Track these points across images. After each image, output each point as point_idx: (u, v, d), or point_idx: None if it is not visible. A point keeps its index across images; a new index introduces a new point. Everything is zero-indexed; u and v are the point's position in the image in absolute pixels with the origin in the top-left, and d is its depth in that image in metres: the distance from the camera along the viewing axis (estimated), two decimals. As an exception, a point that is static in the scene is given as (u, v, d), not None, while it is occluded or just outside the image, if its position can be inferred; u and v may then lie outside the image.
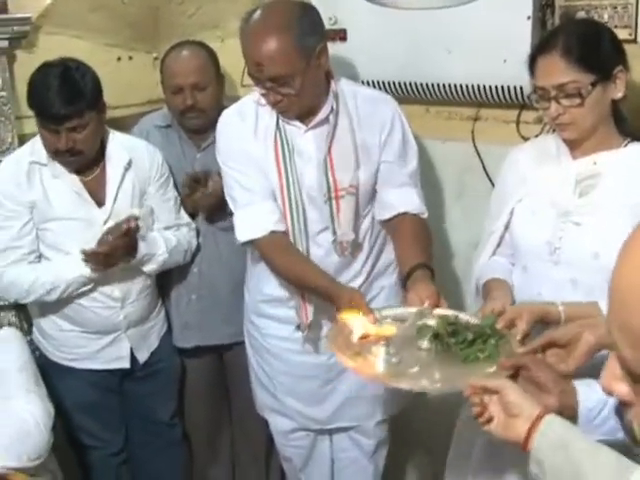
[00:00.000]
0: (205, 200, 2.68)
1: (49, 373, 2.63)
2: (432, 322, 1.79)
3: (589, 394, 1.53)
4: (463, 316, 1.87)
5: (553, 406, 1.45)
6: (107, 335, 2.60)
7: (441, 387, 1.67)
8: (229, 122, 2.33)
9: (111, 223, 2.46)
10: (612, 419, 1.50)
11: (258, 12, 2.13)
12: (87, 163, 2.49)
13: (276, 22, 2.08)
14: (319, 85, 2.21)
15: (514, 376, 1.58)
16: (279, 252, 2.26)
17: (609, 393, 0.83)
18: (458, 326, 1.78)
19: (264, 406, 2.58)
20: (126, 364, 2.65)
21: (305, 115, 2.23)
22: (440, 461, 2.26)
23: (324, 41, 2.17)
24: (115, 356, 2.64)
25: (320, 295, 2.16)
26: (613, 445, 1.33)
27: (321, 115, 2.22)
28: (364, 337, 1.77)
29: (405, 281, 2.07)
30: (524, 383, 1.55)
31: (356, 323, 1.80)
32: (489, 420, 1.46)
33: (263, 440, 2.94)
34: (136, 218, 2.44)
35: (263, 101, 2.22)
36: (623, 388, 0.81)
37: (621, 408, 0.83)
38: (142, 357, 2.69)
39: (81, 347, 2.60)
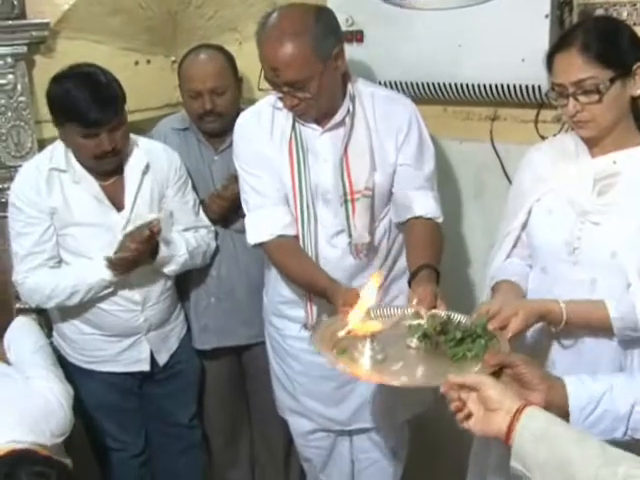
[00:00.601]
0: (216, 203, 2.71)
1: (69, 376, 2.64)
2: (422, 322, 1.80)
3: (580, 392, 1.49)
4: (456, 316, 1.86)
5: (538, 403, 1.42)
6: (127, 338, 2.61)
7: (418, 383, 1.66)
8: (246, 125, 2.34)
9: (131, 227, 2.46)
10: (607, 419, 1.48)
11: (274, 16, 2.13)
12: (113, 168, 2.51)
13: (292, 27, 2.08)
14: (336, 88, 2.21)
15: (497, 374, 1.55)
16: (286, 255, 2.28)
17: None
18: (448, 325, 1.78)
19: (284, 407, 2.58)
20: (146, 367, 2.66)
21: (322, 117, 2.23)
22: (461, 464, 2.25)
23: (341, 44, 2.17)
24: (135, 359, 2.65)
25: (321, 295, 2.17)
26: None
27: (337, 117, 2.22)
28: (349, 333, 1.77)
29: (410, 282, 2.07)
30: (509, 381, 1.52)
31: (345, 320, 1.81)
32: (468, 416, 1.43)
33: (282, 441, 2.95)
34: (158, 222, 2.45)
35: (279, 104, 2.22)
36: None
37: None
38: (162, 360, 2.70)
39: (101, 350, 2.61)
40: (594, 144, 1.90)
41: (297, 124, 2.24)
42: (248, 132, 2.32)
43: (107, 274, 2.45)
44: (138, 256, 2.43)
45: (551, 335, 1.90)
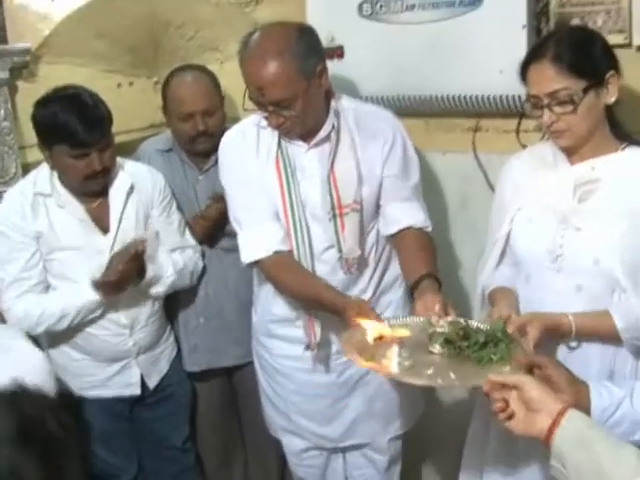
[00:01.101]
0: (199, 224, 2.71)
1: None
2: (442, 329, 1.80)
3: (603, 395, 1.53)
4: (472, 322, 1.87)
5: (569, 404, 1.43)
6: (117, 362, 2.60)
7: (459, 383, 1.68)
8: (231, 143, 2.34)
9: (118, 249, 2.46)
10: (626, 422, 1.51)
11: (256, 36, 2.14)
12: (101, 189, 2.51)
13: (275, 46, 2.09)
14: (320, 104, 2.22)
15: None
16: (284, 271, 2.26)
17: None
18: (469, 330, 1.79)
19: (276, 426, 2.57)
20: (137, 391, 2.64)
21: (307, 134, 2.24)
22: (453, 476, 2.24)
23: (323, 61, 2.18)
24: (125, 383, 2.63)
25: (328, 309, 2.14)
26: None
27: (322, 133, 2.23)
28: (379, 338, 1.77)
29: (412, 292, 2.07)
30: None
31: (370, 326, 1.82)
32: (510, 416, 1.45)
33: (276, 461, 2.93)
34: (143, 240, 2.44)
35: (264, 123, 2.23)
36: None
37: None
38: (152, 383, 2.68)
39: (91, 375, 2.59)
40: (572, 152, 1.92)
41: (283, 141, 2.25)
42: (234, 151, 2.32)
43: (95, 296, 2.44)
44: (125, 277, 2.42)
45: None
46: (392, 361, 1.72)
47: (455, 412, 2.56)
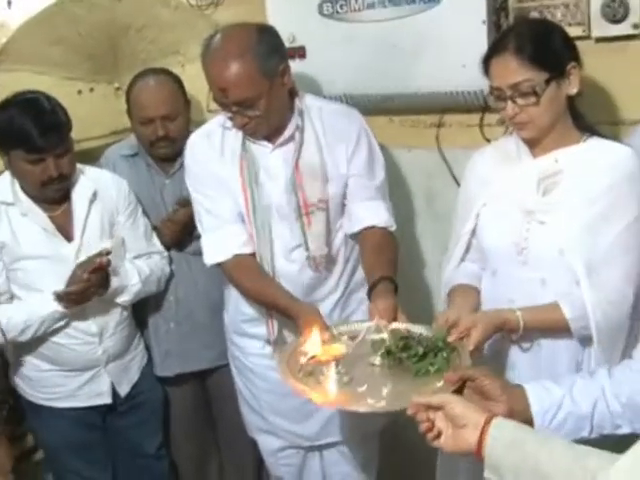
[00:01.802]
0: (168, 228, 2.69)
1: (30, 415, 2.60)
2: (384, 336, 1.83)
3: (542, 397, 1.52)
4: (417, 329, 1.89)
5: (502, 413, 1.44)
6: (86, 372, 2.57)
7: (385, 406, 1.66)
8: (196, 146, 2.34)
9: (83, 258, 2.43)
10: (570, 420, 1.51)
11: (217, 38, 2.14)
12: (60, 196, 2.48)
13: (236, 47, 2.10)
14: (284, 104, 2.23)
15: (460, 389, 1.57)
16: (243, 274, 2.28)
17: None
18: (410, 340, 1.80)
19: (252, 426, 2.56)
20: (107, 399, 2.62)
21: (272, 134, 2.24)
22: (431, 472, 2.25)
23: (285, 60, 2.19)
24: (96, 392, 2.60)
25: (282, 314, 2.19)
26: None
27: (287, 133, 2.24)
28: (311, 359, 1.79)
29: (369, 294, 2.09)
30: (471, 394, 1.55)
31: (308, 344, 1.83)
32: (438, 435, 1.45)
33: (252, 463, 2.93)
34: (107, 252, 2.42)
35: (228, 124, 2.23)
36: None
37: None
38: (123, 391, 2.66)
39: (60, 386, 2.56)
40: (535, 144, 1.93)
41: (247, 142, 2.25)
42: (199, 153, 2.32)
43: (58, 306, 2.41)
44: (88, 288, 2.40)
45: (509, 339, 1.92)
46: (329, 378, 1.73)
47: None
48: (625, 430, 1.52)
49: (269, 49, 2.13)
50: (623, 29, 2.17)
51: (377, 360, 1.77)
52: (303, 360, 1.79)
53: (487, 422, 1.37)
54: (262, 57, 2.10)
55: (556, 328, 1.84)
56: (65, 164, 2.40)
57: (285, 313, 2.16)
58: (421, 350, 1.75)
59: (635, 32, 2.16)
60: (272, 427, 2.48)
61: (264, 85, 2.10)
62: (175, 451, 2.93)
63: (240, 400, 2.57)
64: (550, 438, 1.33)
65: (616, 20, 2.17)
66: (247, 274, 2.28)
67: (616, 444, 1.28)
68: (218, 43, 2.13)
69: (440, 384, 1.64)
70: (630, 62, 2.21)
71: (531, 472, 1.28)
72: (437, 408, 1.45)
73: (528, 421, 1.47)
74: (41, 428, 2.61)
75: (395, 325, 1.90)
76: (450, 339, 1.78)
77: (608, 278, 1.79)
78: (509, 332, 1.86)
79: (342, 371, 1.74)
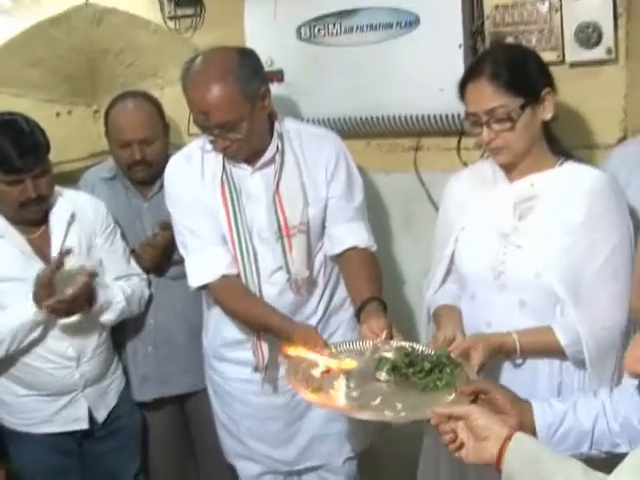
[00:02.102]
0: (147, 252, 2.68)
1: (5, 440, 2.56)
2: (389, 354, 1.82)
3: (546, 412, 1.57)
4: (418, 347, 1.90)
5: (513, 426, 1.48)
6: (63, 396, 2.54)
7: (406, 416, 1.66)
8: (176, 169, 2.34)
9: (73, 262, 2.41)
10: (572, 435, 1.55)
11: (198, 61, 2.15)
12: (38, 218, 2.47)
13: (218, 70, 2.11)
14: (264, 127, 2.24)
15: (473, 401, 1.61)
16: (232, 295, 2.27)
17: (634, 375, 0.87)
18: (414, 357, 1.80)
19: (230, 452, 2.54)
20: (84, 425, 2.58)
21: (252, 157, 2.25)
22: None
23: (266, 84, 2.21)
24: (73, 417, 2.56)
25: (275, 334, 2.16)
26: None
27: (267, 156, 2.24)
28: (326, 372, 1.78)
29: (358, 315, 2.09)
30: (483, 406, 1.57)
31: (316, 357, 1.82)
32: (460, 446, 1.48)
33: (232, 489, 2.89)
34: (94, 269, 2.41)
35: (208, 147, 2.23)
36: None
37: None
38: (101, 416, 2.63)
39: (37, 411, 2.53)
40: (511, 169, 1.95)
41: (227, 165, 2.26)
42: (179, 176, 2.33)
43: (32, 313, 2.37)
44: (75, 301, 2.37)
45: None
46: (339, 392, 1.72)
47: (409, 431, 2.55)
48: (623, 449, 1.55)
49: (250, 72, 2.14)
50: (597, 54, 2.22)
51: (383, 376, 1.76)
52: (316, 373, 1.78)
53: (509, 437, 1.41)
54: (244, 80, 2.11)
55: (551, 352, 1.86)
56: (43, 185, 2.39)
57: (278, 332, 2.13)
58: (427, 366, 1.75)
59: (609, 57, 2.21)
60: (251, 452, 2.46)
61: (245, 108, 2.11)
62: (153, 477, 2.90)
63: (218, 425, 2.55)
64: (566, 458, 1.37)
65: (590, 45, 2.21)
66: (235, 295, 2.26)
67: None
68: (199, 66, 2.14)
69: (451, 397, 1.66)
70: (604, 87, 2.25)
71: None
72: (459, 418, 1.48)
73: (533, 434, 1.52)
74: (17, 454, 2.57)
75: (397, 343, 1.89)
76: (454, 354, 1.79)
77: (599, 305, 1.81)
78: (506, 356, 1.88)
79: (351, 386, 1.73)
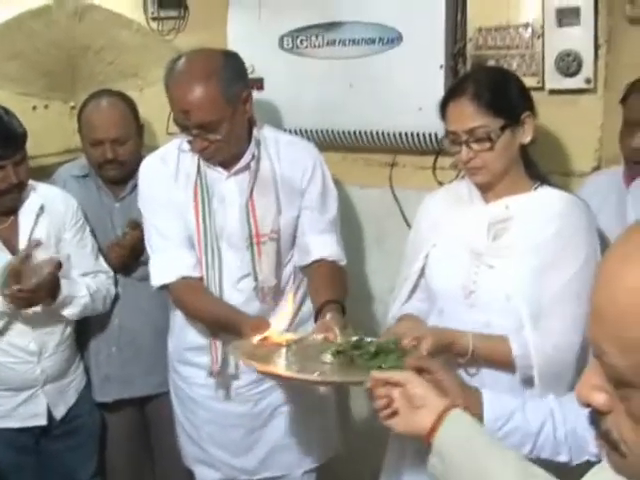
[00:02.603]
0: (115, 252, 2.67)
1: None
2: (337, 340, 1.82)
3: (495, 405, 1.54)
4: (367, 338, 1.86)
5: (453, 403, 1.41)
6: (22, 392, 2.51)
7: (340, 379, 1.67)
8: (151, 168, 2.34)
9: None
10: (517, 434, 1.51)
11: (182, 61, 2.16)
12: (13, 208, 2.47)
13: (201, 70, 2.11)
14: (243, 131, 2.24)
15: None
16: (189, 294, 2.27)
17: (585, 404, 0.85)
18: (361, 342, 1.78)
19: (190, 457, 2.52)
20: (42, 421, 2.55)
21: (228, 162, 2.24)
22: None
23: (248, 88, 2.22)
24: (31, 413, 2.53)
25: (229, 329, 2.14)
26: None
27: (243, 161, 2.24)
28: (264, 339, 1.79)
29: (316, 317, 2.08)
30: None
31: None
32: (393, 414, 1.42)
33: (187, 494, 2.87)
34: (59, 261, 2.39)
35: (185, 147, 2.23)
36: (601, 397, 0.83)
37: (597, 417, 0.85)
38: (59, 413, 2.60)
39: (-5, 405, 2.50)
40: (487, 189, 1.96)
41: (203, 167, 2.25)
42: (153, 175, 2.32)
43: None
44: (38, 291, 2.35)
45: (456, 362, 1.92)
46: (279, 363, 1.72)
47: (369, 447, 2.56)
48: (563, 459, 1.53)
49: (234, 74, 2.15)
50: (576, 83, 2.25)
51: (328, 358, 1.73)
52: (256, 339, 1.79)
53: (446, 409, 1.34)
54: (227, 82, 2.11)
55: (502, 361, 1.85)
56: (23, 172, 2.42)
57: (231, 326, 2.12)
58: (373, 349, 1.73)
59: (587, 86, 2.24)
60: (211, 459, 2.44)
61: (227, 110, 2.12)
62: (110, 478, 2.86)
63: (178, 430, 2.53)
64: (505, 449, 1.31)
65: (569, 74, 2.24)
66: (193, 295, 2.26)
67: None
68: (183, 65, 2.14)
69: None
70: (581, 115, 2.28)
71: (477, 476, 1.26)
72: (396, 385, 1.42)
73: None
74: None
75: (346, 333, 1.87)
76: (404, 342, 1.75)
77: (555, 324, 1.81)
78: (456, 354, 1.86)
79: (292, 359, 1.72)
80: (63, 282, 2.44)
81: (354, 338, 1.82)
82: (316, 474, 2.53)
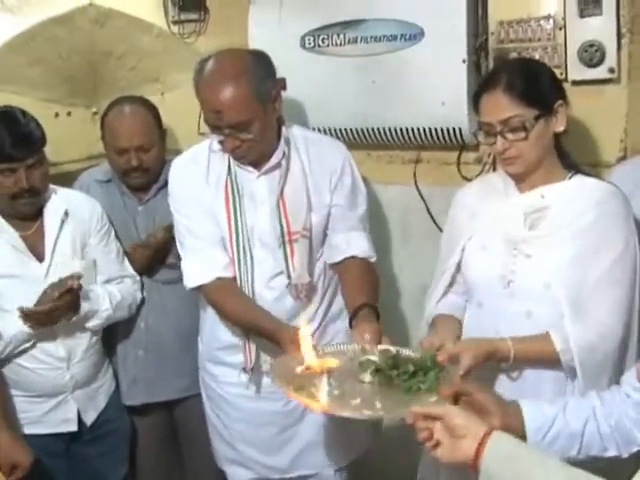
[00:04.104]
0: (139, 252, 2.67)
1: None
2: (374, 357, 1.82)
3: (535, 414, 1.56)
4: (404, 351, 1.89)
5: (495, 426, 1.45)
6: (52, 398, 2.51)
7: (384, 414, 1.67)
8: (182, 168, 2.35)
9: (54, 279, 2.40)
10: (562, 438, 1.54)
11: (212, 62, 2.16)
12: (32, 214, 2.46)
13: (232, 69, 2.12)
14: (274, 130, 2.25)
15: (454, 403, 1.59)
16: (226, 296, 2.27)
17: None
18: (399, 359, 1.80)
19: (222, 457, 2.52)
20: (73, 427, 2.56)
21: (258, 161, 2.25)
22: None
23: (278, 87, 2.22)
24: (61, 419, 2.54)
25: (265, 335, 2.16)
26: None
27: (273, 160, 2.25)
28: (307, 369, 1.78)
29: (351, 321, 2.09)
30: (465, 408, 1.55)
31: (301, 356, 1.82)
32: (436, 445, 1.45)
33: (219, 496, 2.87)
34: (79, 277, 2.39)
35: (215, 147, 2.24)
36: None
37: None
38: (89, 419, 2.60)
39: (25, 412, 2.49)
40: (522, 180, 1.97)
41: (233, 167, 2.26)
42: (184, 176, 2.33)
43: (24, 326, 2.36)
44: (57, 309, 2.36)
45: (498, 367, 1.93)
46: (321, 391, 1.72)
47: (402, 445, 2.54)
48: (611, 453, 1.55)
49: (264, 73, 2.16)
50: (599, 73, 2.24)
51: (367, 377, 1.76)
52: (298, 370, 1.78)
53: (487, 434, 1.38)
54: (257, 81, 2.12)
55: (546, 360, 1.86)
56: (37, 177, 2.39)
57: (267, 333, 2.13)
58: (411, 368, 1.74)
59: (611, 76, 2.23)
60: (242, 458, 2.44)
61: (258, 109, 2.13)
62: (140, 482, 2.88)
63: (210, 430, 2.53)
64: (547, 458, 1.34)
65: (592, 64, 2.24)
66: (229, 297, 2.26)
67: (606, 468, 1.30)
68: (213, 66, 2.15)
69: (433, 399, 1.64)
70: (605, 106, 2.28)
71: None
72: (436, 418, 1.45)
73: (521, 437, 1.49)
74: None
75: (384, 346, 1.89)
76: (440, 358, 1.77)
77: (596, 313, 1.81)
78: (499, 361, 1.87)
79: (333, 384, 1.73)
80: (84, 300, 2.44)
81: (392, 349, 1.85)
82: (347, 472, 2.53)
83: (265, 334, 2.16)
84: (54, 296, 2.34)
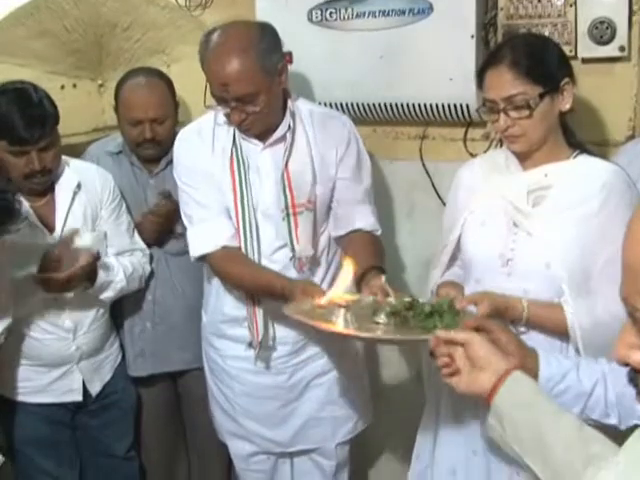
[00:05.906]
0: (149, 221, 2.68)
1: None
2: (391, 299, 1.82)
3: (551, 364, 1.55)
4: (419, 300, 1.85)
5: (516, 365, 1.43)
6: (58, 368, 2.53)
7: (404, 337, 1.68)
8: (187, 140, 2.34)
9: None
10: (569, 393, 1.53)
11: (217, 34, 2.15)
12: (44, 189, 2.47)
13: (238, 42, 2.11)
14: (280, 103, 2.25)
15: None
16: (231, 263, 2.27)
17: (624, 363, 0.86)
18: (415, 304, 1.77)
19: (224, 430, 2.54)
20: (78, 397, 2.58)
21: (264, 133, 2.25)
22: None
23: (284, 59, 2.21)
24: (67, 389, 2.56)
25: (277, 294, 2.13)
26: None
27: (278, 133, 2.24)
28: (327, 304, 1.79)
29: (359, 284, 2.05)
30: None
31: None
32: (454, 373, 1.44)
33: (222, 468, 2.89)
34: (98, 256, 2.40)
35: (220, 120, 2.23)
36: (638, 355, 0.84)
37: (635, 376, 0.85)
38: (95, 390, 2.63)
39: (30, 380, 2.52)
40: (525, 158, 1.95)
41: (238, 140, 2.26)
42: (189, 148, 2.32)
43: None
44: (74, 278, 2.36)
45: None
46: (337, 323, 1.72)
47: (402, 418, 2.57)
48: (612, 421, 1.54)
49: (270, 46, 2.15)
50: (609, 51, 2.22)
51: (382, 318, 1.73)
52: (322, 301, 1.79)
53: (507, 372, 1.36)
54: (264, 53, 2.12)
55: (556, 329, 1.85)
56: (49, 158, 2.38)
57: (280, 291, 2.11)
58: (428, 308, 1.72)
59: (621, 54, 2.22)
60: (245, 431, 2.46)
61: (265, 81, 2.12)
62: (145, 452, 2.89)
63: (212, 403, 2.55)
64: (562, 412, 1.32)
65: (603, 42, 2.22)
66: (236, 263, 2.26)
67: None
68: (220, 38, 2.14)
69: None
70: (615, 84, 2.26)
71: (532, 437, 1.28)
72: (459, 344, 1.44)
73: None
74: (8, 422, 2.56)
75: (399, 295, 1.87)
76: (458, 305, 1.75)
77: (605, 292, 1.79)
78: (511, 321, 1.85)
79: (349, 319, 1.72)
80: (100, 270, 2.45)
81: (407, 299, 1.81)
82: (349, 445, 2.55)
83: (274, 291, 2.14)
84: (54, 257, 2.34)
